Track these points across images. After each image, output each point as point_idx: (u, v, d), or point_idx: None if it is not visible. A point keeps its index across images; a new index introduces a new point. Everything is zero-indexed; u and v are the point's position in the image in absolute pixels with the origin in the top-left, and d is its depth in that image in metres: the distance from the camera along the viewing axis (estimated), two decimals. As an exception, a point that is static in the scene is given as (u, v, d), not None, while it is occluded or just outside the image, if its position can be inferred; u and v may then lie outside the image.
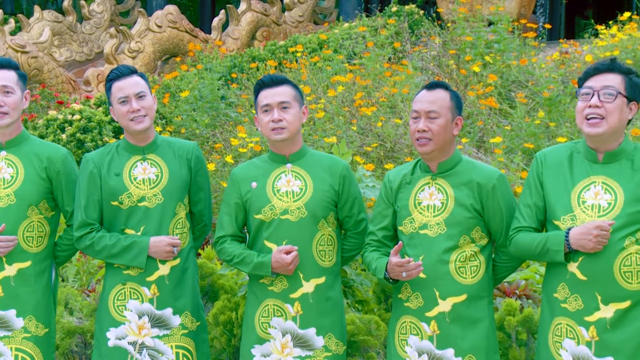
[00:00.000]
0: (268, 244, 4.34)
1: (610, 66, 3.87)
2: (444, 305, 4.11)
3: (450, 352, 4.11)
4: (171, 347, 4.51)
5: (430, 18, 13.03)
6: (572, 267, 3.85)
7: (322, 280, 4.35)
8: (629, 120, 3.90)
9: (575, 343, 3.88)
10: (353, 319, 5.10)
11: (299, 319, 4.35)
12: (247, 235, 4.48)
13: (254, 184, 4.38)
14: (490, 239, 4.18)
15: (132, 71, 4.51)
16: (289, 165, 4.39)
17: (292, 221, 4.32)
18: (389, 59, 10.87)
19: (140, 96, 4.46)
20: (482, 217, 4.11)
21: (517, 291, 5.61)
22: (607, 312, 3.83)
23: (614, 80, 3.83)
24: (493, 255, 4.24)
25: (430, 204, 4.12)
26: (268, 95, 4.32)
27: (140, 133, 4.49)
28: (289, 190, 4.35)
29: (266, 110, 4.32)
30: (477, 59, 9.77)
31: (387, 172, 4.33)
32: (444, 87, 4.14)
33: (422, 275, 4.07)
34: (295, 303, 4.34)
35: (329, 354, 4.37)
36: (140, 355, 4.49)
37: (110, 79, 4.51)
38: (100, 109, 10.02)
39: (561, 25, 20.00)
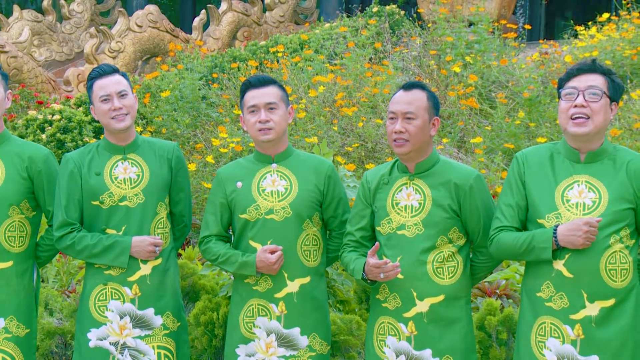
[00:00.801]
0: (253, 243, 4.35)
1: (593, 67, 3.90)
2: (422, 306, 4.12)
3: (427, 352, 4.12)
4: (153, 347, 4.50)
5: (411, 18, 13.07)
6: (559, 264, 3.87)
7: (306, 280, 4.36)
8: (610, 121, 3.94)
9: (560, 342, 3.90)
10: (334, 319, 5.11)
11: (283, 319, 4.36)
12: (232, 235, 4.49)
13: (239, 184, 4.39)
14: (468, 239, 4.20)
15: (114, 70, 4.51)
16: (274, 165, 4.40)
17: (277, 221, 4.33)
18: (370, 59, 10.90)
19: (122, 95, 4.46)
20: (460, 218, 4.12)
21: (497, 291, 5.64)
22: (592, 309, 3.86)
23: (598, 81, 3.86)
24: (471, 256, 4.26)
25: (408, 204, 4.13)
26: (255, 96, 4.33)
27: (121, 132, 4.49)
28: (274, 190, 4.36)
29: (253, 111, 4.33)
30: (458, 59, 9.80)
31: (365, 172, 4.35)
32: (421, 87, 4.15)
33: (399, 276, 4.08)
34: (280, 303, 4.35)
35: (313, 354, 4.38)
36: (122, 355, 4.48)
37: (92, 77, 4.51)
38: (81, 109, 9.98)
39: (541, 26, 20.09)
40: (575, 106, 3.84)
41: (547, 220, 3.89)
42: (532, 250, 3.89)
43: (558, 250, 3.85)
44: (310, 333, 4.38)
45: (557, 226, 3.84)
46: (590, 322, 3.86)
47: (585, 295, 3.85)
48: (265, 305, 4.37)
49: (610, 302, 3.85)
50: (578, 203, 3.86)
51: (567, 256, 3.85)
